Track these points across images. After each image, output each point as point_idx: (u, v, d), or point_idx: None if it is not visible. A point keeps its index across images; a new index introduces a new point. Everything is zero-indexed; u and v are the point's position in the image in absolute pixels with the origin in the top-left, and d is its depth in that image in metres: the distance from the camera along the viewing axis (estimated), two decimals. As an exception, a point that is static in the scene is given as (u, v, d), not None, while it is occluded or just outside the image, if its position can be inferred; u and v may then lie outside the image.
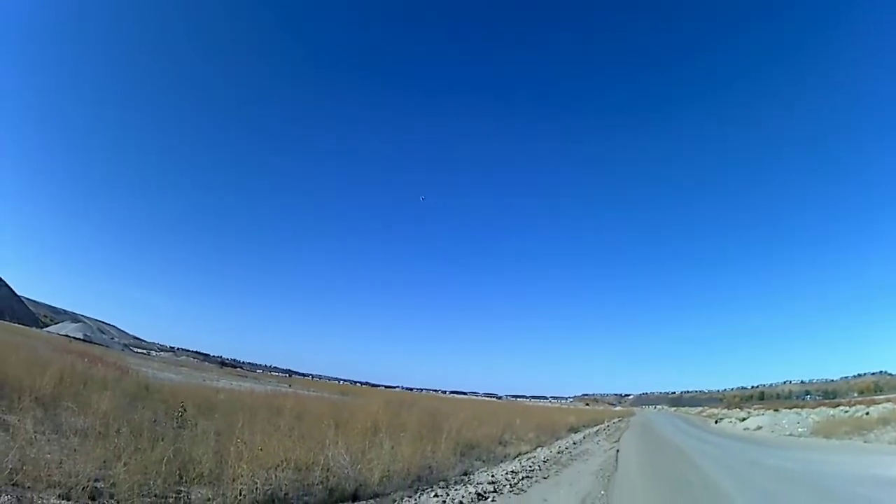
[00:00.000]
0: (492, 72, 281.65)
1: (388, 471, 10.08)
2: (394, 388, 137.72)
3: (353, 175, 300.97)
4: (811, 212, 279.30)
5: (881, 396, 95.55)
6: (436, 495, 9.98)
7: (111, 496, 6.46)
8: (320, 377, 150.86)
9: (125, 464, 6.64)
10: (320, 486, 8.51)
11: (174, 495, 6.84)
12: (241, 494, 7.10)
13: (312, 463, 9.07)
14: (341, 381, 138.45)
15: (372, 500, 8.95)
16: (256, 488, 7.41)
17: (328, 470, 8.92)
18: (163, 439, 7.95)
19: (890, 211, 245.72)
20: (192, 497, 6.98)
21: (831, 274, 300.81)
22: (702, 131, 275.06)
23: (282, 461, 8.51)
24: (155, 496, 6.64)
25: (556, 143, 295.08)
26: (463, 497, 10.06)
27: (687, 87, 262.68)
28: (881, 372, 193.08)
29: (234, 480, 7.30)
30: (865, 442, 26.91)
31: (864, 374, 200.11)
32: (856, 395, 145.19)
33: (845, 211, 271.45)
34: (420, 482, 10.91)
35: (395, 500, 9.16)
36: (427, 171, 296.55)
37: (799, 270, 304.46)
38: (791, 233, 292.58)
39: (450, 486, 11.13)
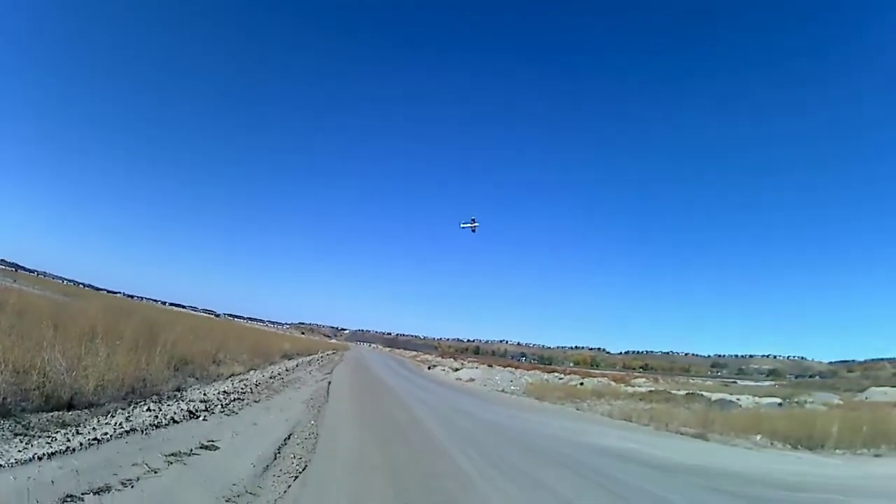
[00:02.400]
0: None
1: (103, 380, 10.93)
2: (116, 293, 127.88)
3: None
4: (536, 183, 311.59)
5: (597, 371, 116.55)
6: (149, 409, 11.25)
7: None
8: (47, 275, 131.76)
9: None
10: (37, 392, 9.15)
11: None
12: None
13: (30, 366, 9.53)
14: (65, 281, 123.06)
15: (86, 410, 9.88)
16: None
17: (45, 375, 9.52)
18: None
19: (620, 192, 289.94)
20: None
21: (561, 253, 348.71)
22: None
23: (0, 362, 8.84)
24: None
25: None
26: (175, 413, 11.44)
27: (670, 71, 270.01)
28: (599, 349, 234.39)
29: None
30: (578, 410, 29.58)
31: (583, 347, 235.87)
32: (572, 364, 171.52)
33: (562, 183, 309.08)
34: (134, 394, 12.04)
35: (110, 412, 10.22)
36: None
37: (531, 242, 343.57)
38: (524, 204, 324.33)
39: (163, 401, 12.48)
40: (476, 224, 48.48)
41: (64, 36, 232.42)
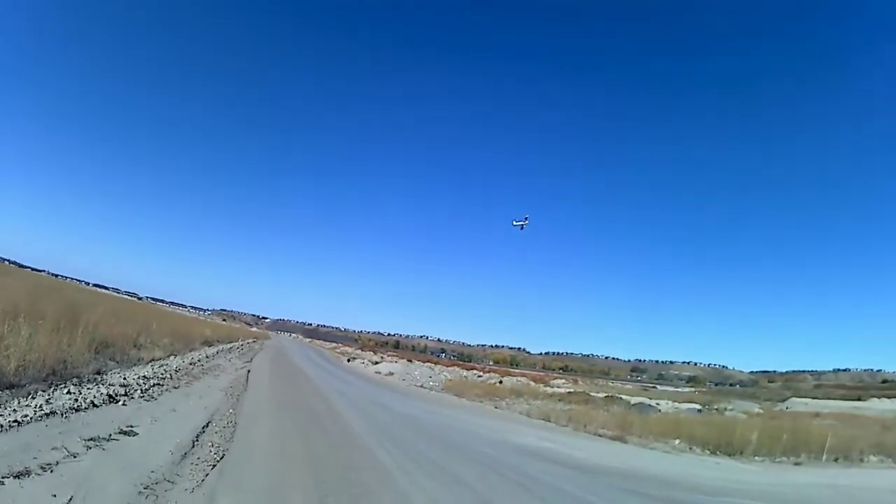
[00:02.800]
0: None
1: (25, 360, 10.79)
2: (41, 271, 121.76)
3: None
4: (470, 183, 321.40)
5: (516, 370, 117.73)
6: (69, 392, 11.16)
7: None
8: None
9: None
10: (-41, 371, 9.02)
11: None
12: None
13: (-47, 344, 9.36)
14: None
15: (7, 391, 9.79)
16: None
17: (-33, 354, 9.38)
18: None
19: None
20: None
21: (484, 251, 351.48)
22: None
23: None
24: None
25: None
26: (95, 397, 11.36)
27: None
28: (519, 348, 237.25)
29: None
30: (496, 408, 30.00)
31: (503, 346, 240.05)
32: (491, 363, 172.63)
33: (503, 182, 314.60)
34: (55, 376, 11.89)
35: (31, 393, 10.13)
36: None
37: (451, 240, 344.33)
38: (448, 202, 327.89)
39: (83, 385, 12.34)
40: (527, 222, 48.97)
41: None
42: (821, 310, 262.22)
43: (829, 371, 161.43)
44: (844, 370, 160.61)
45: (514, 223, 49.16)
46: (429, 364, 76.14)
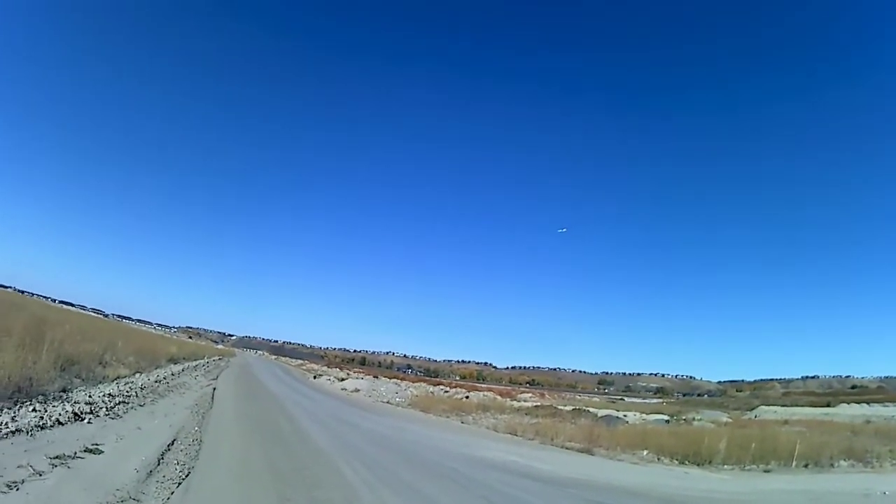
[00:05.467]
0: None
1: None
2: (6, 287, 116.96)
3: None
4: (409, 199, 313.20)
5: (483, 385, 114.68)
6: (34, 410, 10.85)
7: None
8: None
9: None
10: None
11: None
12: None
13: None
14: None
15: None
16: None
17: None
18: None
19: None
20: None
21: (449, 267, 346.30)
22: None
23: None
24: None
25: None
26: (60, 415, 11.06)
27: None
28: (486, 363, 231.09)
29: None
30: (463, 423, 29.23)
31: (469, 361, 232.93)
32: (458, 378, 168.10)
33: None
34: (20, 393, 11.53)
35: (-4, 411, 9.82)
36: None
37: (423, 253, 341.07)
38: (407, 215, 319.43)
39: (49, 402, 11.98)
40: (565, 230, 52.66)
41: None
42: (788, 318, 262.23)
43: (797, 379, 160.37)
44: (813, 377, 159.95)
45: (560, 231, 55.04)
46: (395, 380, 74.70)
